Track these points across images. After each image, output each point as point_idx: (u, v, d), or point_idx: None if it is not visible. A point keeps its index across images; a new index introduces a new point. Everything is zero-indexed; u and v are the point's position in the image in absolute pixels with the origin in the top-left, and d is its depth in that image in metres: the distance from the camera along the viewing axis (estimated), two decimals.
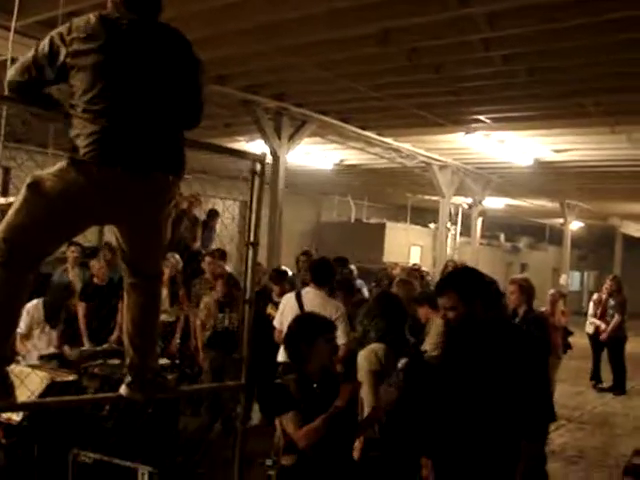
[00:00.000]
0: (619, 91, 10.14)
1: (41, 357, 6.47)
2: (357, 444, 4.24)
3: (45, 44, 2.90)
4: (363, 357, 4.63)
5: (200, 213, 10.67)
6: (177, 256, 8.94)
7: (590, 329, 12.48)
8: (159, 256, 3.27)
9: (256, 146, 13.89)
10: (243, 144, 15.38)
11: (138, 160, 2.87)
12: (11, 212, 2.83)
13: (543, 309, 9.29)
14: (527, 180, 19.46)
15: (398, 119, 13.18)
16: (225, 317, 7.74)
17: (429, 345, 6.17)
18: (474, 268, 3.83)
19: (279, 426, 3.98)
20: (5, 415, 4.89)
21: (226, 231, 17.02)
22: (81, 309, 7.79)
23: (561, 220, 26.68)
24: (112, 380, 5.02)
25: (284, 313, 6.58)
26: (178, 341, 8.56)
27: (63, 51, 2.84)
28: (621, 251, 30.49)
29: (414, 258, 22.64)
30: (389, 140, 15.07)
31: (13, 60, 4.76)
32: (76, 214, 2.91)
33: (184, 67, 3.10)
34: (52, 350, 6.84)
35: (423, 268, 14.35)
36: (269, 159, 12.25)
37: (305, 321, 4.27)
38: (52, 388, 5.14)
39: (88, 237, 7.96)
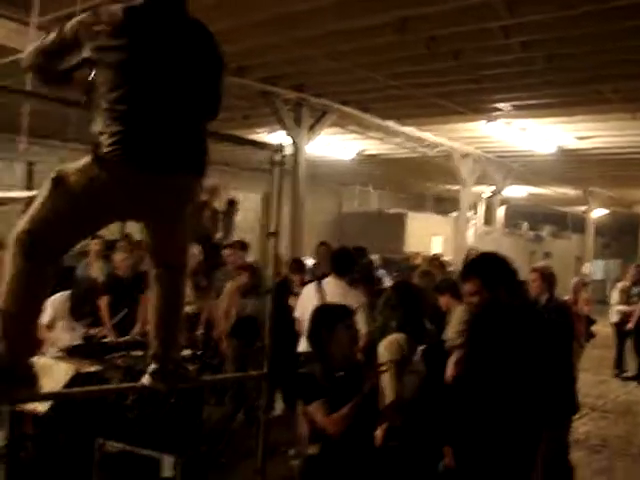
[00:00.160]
0: (638, 77, 10.03)
1: (65, 349, 6.53)
2: (378, 432, 4.26)
3: (68, 31, 2.85)
4: (384, 347, 4.64)
5: (220, 204, 10.71)
6: (198, 248, 8.97)
7: (615, 318, 12.38)
8: (184, 249, 3.26)
9: (276, 137, 13.91)
10: (263, 135, 15.41)
11: (162, 162, 2.86)
12: (35, 205, 2.85)
13: (566, 297, 9.25)
14: (549, 168, 19.33)
15: (418, 108, 13.12)
16: (248, 304, 7.74)
17: (450, 334, 6.16)
18: (498, 254, 3.80)
19: (304, 416, 4.01)
20: (31, 406, 4.95)
21: (246, 222, 17.10)
22: (103, 301, 7.85)
23: (584, 208, 26.48)
24: (135, 371, 5.06)
25: (304, 303, 6.60)
26: (201, 332, 8.60)
27: (88, 45, 2.80)
28: None
29: (435, 248, 22.54)
30: (410, 129, 15.03)
31: None
32: (98, 210, 2.92)
33: (210, 64, 3.08)
34: (76, 342, 6.90)
35: (444, 258, 14.32)
36: (290, 150, 12.26)
37: (325, 309, 4.35)
38: (77, 379, 5.20)
39: (111, 229, 8.03)
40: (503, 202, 21.50)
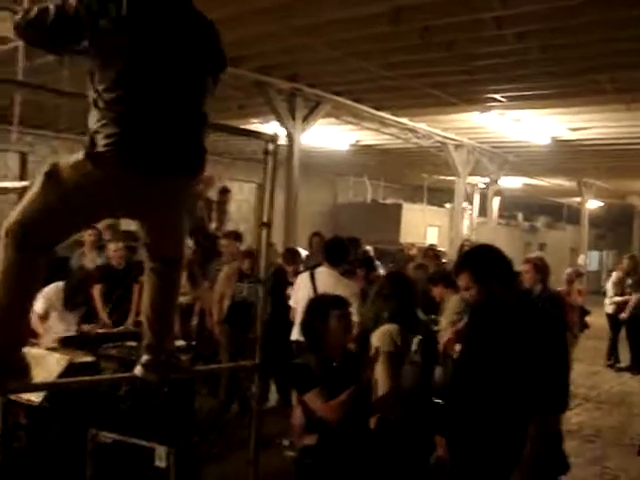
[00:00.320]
0: (634, 68, 10.04)
1: (59, 340, 6.53)
2: (371, 424, 4.27)
3: (70, 9, 2.70)
4: (376, 338, 4.65)
5: (214, 194, 10.67)
6: (192, 238, 8.94)
7: (609, 309, 12.41)
8: (180, 242, 3.24)
9: (270, 128, 13.87)
10: (258, 126, 15.38)
11: (159, 165, 2.82)
12: (27, 198, 2.84)
13: (560, 288, 9.27)
14: (544, 159, 19.35)
15: (412, 99, 13.12)
16: (244, 288, 7.71)
17: (444, 324, 6.18)
18: (491, 246, 3.77)
19: (299, 406, 4.02)
20: (25, 396, 4.94)
21: (240, 213, 17.08)
22: (97, 290, 7.85)
23: (579, 199, 26.53)
24: (129, 361, 5.06)
25: (298, 292, 6.62)
26: (196, 322, 8.61)
27: (88, 32, 2.70)
28: None
29: (431, 238, 22.58)
30: (404, 120, 15.02)
31: (25, 46, 4.80)
32: (90, 207, 2.91)
33: (212, 65, 3.05)
34: (70, 333, 6.90)
35: (440, 248, 14.34)
36: (284, 140, 12.24)
37: (318, 300, 4.36)
38: (70, 369, 5.20)
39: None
40: (498, 193, 21.50)
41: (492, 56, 9.91)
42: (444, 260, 11.54)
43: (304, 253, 10.11)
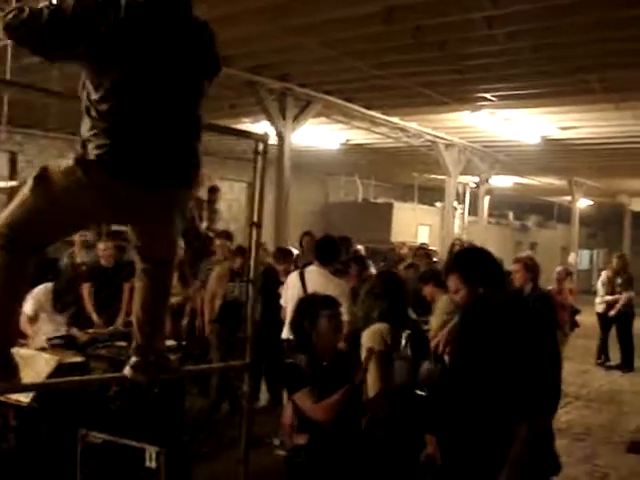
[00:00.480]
0: (623, 67, 10.10)
1: (48, 340, 6.51)
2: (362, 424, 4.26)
3: (68, 10, 2.59)
4: (367, 337, 4.64)
5: (203, 193, 10.65)
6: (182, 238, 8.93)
7: (600, 308, 12.44)
8: (172, 244, 3.20)
9: (261, 127, 13.86)
10: (248, 125, 15.36)
11: (151, 178, 2.78)
12: (17, 200, 2.82)
13: (550, 287, 9.29)
14: (534, 158, 19.42)
15: (403, 98, 13.13)
16: (236, 287, 7.70)
17: (435, 324, 6.18)
18: (480, 248, 3.78)
19: (290, 405, 4.02)
20: (14, 397, 4.92)
21: (230, 212, 17.05)
22: (86, 290, 7.82)
23: (569, 198, 26.62)
24: (118, 361, 5.04)
25: (288, 291, 6.62)
26: (186, 322, 8.60)
27: (84, 36, 2.61)
28: (630, 228, 30.41)
29: (422, 237, 22.61)
30: (395, 119, 15.03)
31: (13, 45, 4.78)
32: (79, 213, 2.88)
33: (207, 70, 2.99)
34: (59, 333, 6.88)
35: (431, 247, 14.36)
36: (274, 140, 12.23)
37: (308, 300, 4.35)
38: (59, 370, 5.18)
39: None
40: (489, 192, 21.55)
41: (483, 56, 9.94)
42: (435, 259, 11.55)
43: (295, 252, 10.10)
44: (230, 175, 19.63)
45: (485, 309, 3.37)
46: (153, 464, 4.73)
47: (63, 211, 2.81)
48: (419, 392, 4.49)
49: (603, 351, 12.51)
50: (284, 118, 12.80)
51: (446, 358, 4.04)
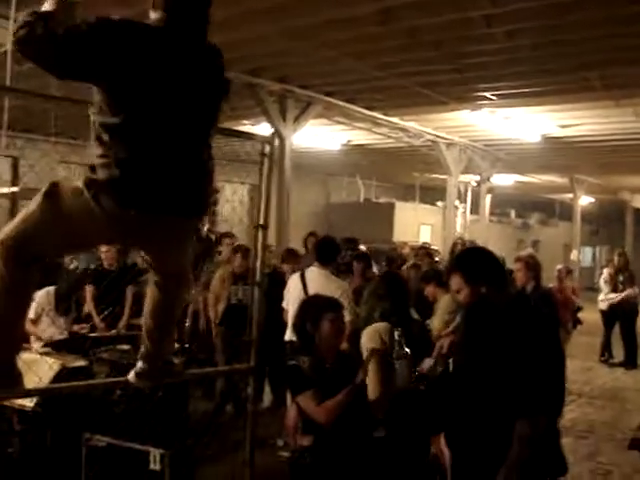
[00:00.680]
0: (624, 64, 10.09)
1: (50, 344, 6.52)
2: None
3: (83, 25, 2.51)
4: (365, 337, 4.65)
5: None
6: None
7: (603, 305, 12.44)
8: (184, 262, 3.14)
9: (262, 129, 13.88)
10: (250, 127, 15.37)
11: (160, 207, 2.72)
12: (24, 213, 2.79)
13: (551, 285, 9.29)
14: (535, 156, 19.40)
15: (403, 98, 13.15)
16: (239, 290, 7.71)
17: (437, 323, 6.18)
18: (482, 248, 3.79)
19: (294, 407, 4.02)
20: (18, 402, 4.94)
21: (234, 214, 17.05)
22: (89, 293, 7.83)
23: (571, 195, 26.60)
24: (121, 365, 5.06)
25: (290, 292, 6.63)
26: (188, 324, 8.60)
27: (100, 57, 2.54)
28: (632, 225, 30.36)
29: (424, 237, 22.64)
30: (395, 119, 15.04)
31: (13, 51, 4.80)
32: (86, 235, 2.86)
33: (218, 97, 2.95)
34: (62, 337, 6.89)
35: (433, 247, 14.37)
36: (275, 141, 12.22)
37: (310, 302, 4.35)
38: (63, 374, 5.19)
39: None
40: (490, 190, 21.55)
41: (482, 54, 9.94)
42: (437, 258, 11.56)
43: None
44: (233, 178, 19.64)
45: (488, 308, 3.37)
46: (157, 466, 4.76)
47: (70, 231, 2.77)
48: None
49: (606, 348, 12.52)
50: (284, 120, 12.82)
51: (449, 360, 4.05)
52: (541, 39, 9.23)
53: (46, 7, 2.64)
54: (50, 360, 5.35)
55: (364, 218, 21.93)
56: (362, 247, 11.86)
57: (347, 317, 5.82)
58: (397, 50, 9.94)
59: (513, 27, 8.82)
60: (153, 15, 2.74)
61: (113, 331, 7.44)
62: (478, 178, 20.98)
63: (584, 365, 11.68)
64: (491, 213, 23.91)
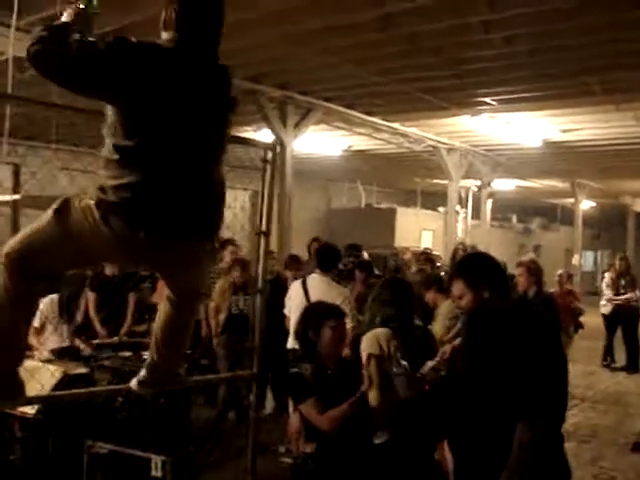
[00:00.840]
0: (624, 69, 10.10)
1: (53, 351, 6.52)
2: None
3: (109, 48, 2.51)
4: (365, 343, 4.64)
5: None
6: None
7: (605, 309, 12.44)
8: (198, 283, 3.11)
9: (262, 135, 13.89)
10: (251, 134, 15.38)
11: (170, 232, 2.70)
12: (32, 228, 2.78)
13: (552, 290, 9.29)
14: (536, 161, 19.42)
15: (403, 104, 13.16)
16: (240, 300, 7.72)
17: (438, 329, 6.18)
18: (484, 253, 3.79)
19: (296, 414, 4.02)
20: (20, 409, 4.93)
21: (235, 220, 17.02)
22: (91, 299, 7.82)
23: (572, 200, 26.59)
24: (123, 372, 5.07)
25: (292, 299, 6.63)
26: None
27: (114, 76, 2.54)
28: (634, 229, 30.32)
29: (426, 242, 22.62)
30: (395, 125, 15.05)
31: (14, 58, 4.82)
32: (94, 255, 2.86)
33: (228, 117, 2.93)
34: (64, 344, 6.89)
35: (434, 252, 14.35)
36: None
37: (311, 309, 4.35)
38: (65, 381, 5.19)
39: None
40: (491, 195, 21.56)
41: (481, 60, 9.96)
42: (438, 264, 11.55)
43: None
44: (234, 184, 19.64)
45: (490, 314, 3.37)
46: (159, 473, 4.76)
47: (78, 249, 2.76)
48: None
49: (609, 352, 12.51)
50: (285, 126, 12.84)
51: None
52: (539, 45, 9.25)
53: (65, 18, 2.66)
54: (52, 367, 5.35)
55: (365, 224, 21.92)
56: (365, 254, 11.85)
57: (349, 324, 5.85)
58: (397, 56, 9.96)
59: (511, 33, 8.85)
60: (165, 35, 2.73)
61: (115, 338, 7.44)
62: (479, 183, 20.98)
63: (586, 369, 11.67)
64: (492, 218, 23.90)
